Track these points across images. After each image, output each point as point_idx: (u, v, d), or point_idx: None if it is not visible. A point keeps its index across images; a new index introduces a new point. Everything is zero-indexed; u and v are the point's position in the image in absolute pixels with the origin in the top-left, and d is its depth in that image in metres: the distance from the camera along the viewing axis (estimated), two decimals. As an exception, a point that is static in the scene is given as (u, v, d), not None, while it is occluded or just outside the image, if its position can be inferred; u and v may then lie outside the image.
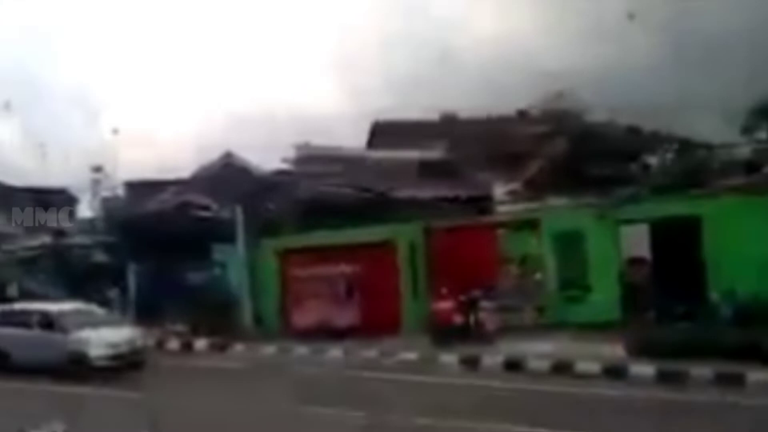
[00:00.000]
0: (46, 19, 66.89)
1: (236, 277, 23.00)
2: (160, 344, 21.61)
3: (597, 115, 25.13)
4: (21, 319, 18.22)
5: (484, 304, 18.99)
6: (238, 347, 20.50)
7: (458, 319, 18.80)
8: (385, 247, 21.28)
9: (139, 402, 13.36)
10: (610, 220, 19.42)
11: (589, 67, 31.59)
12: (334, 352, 18.84)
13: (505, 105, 28.34)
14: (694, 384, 13.77)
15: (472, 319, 18.82)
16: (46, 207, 35.02)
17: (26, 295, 25.68)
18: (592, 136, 23.53)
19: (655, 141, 23.84)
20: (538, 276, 20.26)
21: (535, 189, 22.86)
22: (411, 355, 17.81)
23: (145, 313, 24.27)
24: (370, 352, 18.43)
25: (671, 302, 17.31)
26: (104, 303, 26.11)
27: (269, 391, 14.65)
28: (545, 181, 22.90)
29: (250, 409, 12.84)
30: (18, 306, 19.95)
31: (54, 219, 34.05)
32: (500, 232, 20.76)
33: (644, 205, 19.42)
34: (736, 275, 17.01)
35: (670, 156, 22.74)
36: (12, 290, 26.02)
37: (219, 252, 23.96)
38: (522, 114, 28.20)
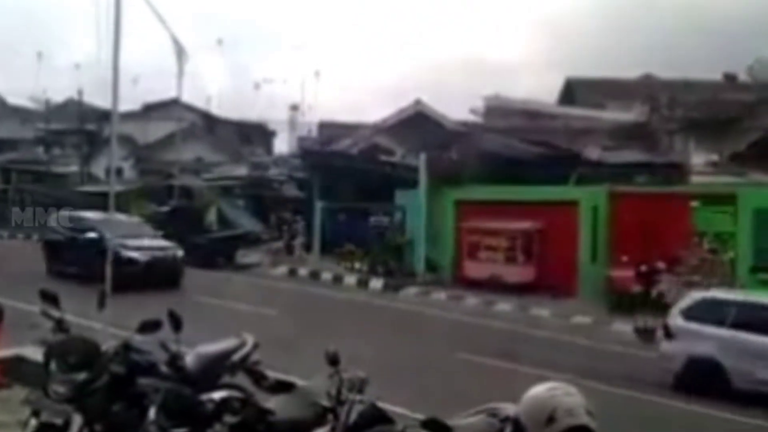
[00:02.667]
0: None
1: (415, 222, 23.49)
2: (337, 279, 22.71)
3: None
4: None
5: (667, 276, 18.21)
6: (411, 290, 21.10)
7: (637, 288, 18.20)
8: (568, 207, 20.84)
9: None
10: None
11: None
12: (505, 306, 18.92)
13: (711, 67, 26.56)
14: None
15: (652, 290, 18.13)
16: (246, 140, 37.41)
17: (224, 221, 27.77)
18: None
19: None
20: (730, 254, 19.06)
21: (737, 162, 21.36)
22: (585, 319, 17.57)
23: (328, 248, 25.54)
24: (542, 311, 18.36)
25: None
26: (293, 233, 27.80)
27: (432, 337, 15.05)
28: (749, 154, 21.32)
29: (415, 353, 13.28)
30: None
31: (252, 152, 36.35)
32: (693, 203, 19.65)
33: None
34: None
35: None
36: (211, 216, 28.05)
37: (401, 197, 24.54)
38: (729, 78, 26.26)
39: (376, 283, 22.03)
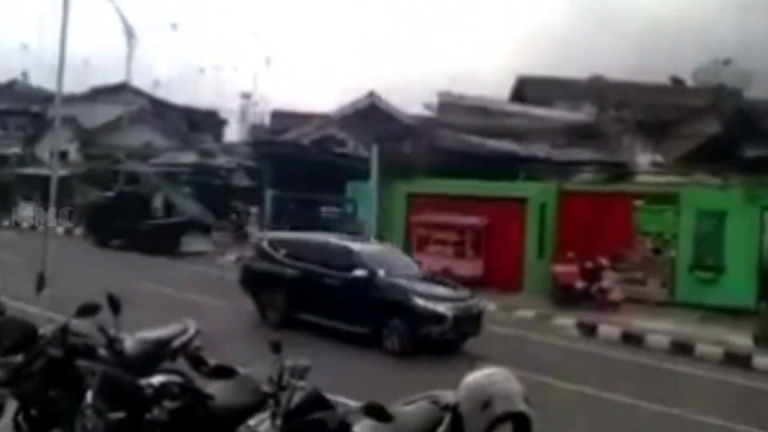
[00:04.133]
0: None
1: (366, 214, 23.48)
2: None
3: (757, 91, 23.60)
4: None
5: (610, 273, 18.59)
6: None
7: (581, 284, 18.54)
8: (517, 203, 21.11)
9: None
10: (756, 204, 18.40)
11: (756, 39, 29.49)
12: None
13: (659, 71, 27.07)
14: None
15: (595, 286, 18.50)
16: (195, 127, 36.91)
17: (170, 208, 27.36)
18: (750, 115, 22.13)
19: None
20: (671, 253, 19.56)
21: (682, 164, 21.85)
22: (529, 313, 17.82)
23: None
24: (488, 305, 18.52)
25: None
26: (240, 223, 27.58)
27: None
28: (693, 156, 21.82)
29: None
30: None
31: (202, 139, 35.90)
32: (637, 203, 20.09)
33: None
34: None
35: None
36: (157, 202, 27.61)
37: (352, 188, 24.51)
38: (676, 82, 26.83)
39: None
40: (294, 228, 23.65)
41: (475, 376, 3.62)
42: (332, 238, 14.53)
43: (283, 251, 14.16)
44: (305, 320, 13.19)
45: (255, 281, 14.41)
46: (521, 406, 3.46)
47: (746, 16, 35.73)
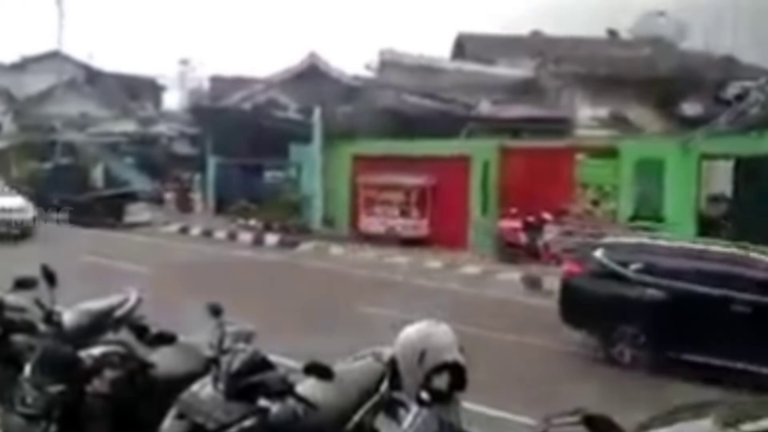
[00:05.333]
0: None
1: (311, 178, 23.40)
2: (232, 236, 22.43)
3: (693, 42, 24.08)
4: None
5: (552, 227, 18.92)
6: (308, 246, 21.08)
7: (524, 238, 18.85)
8: (460, 162, 21.21)
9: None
10: (693, 154, 18.81)
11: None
12: (400, 259, 19.21)
13: (598, 24, 27.37)
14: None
15: (538, 240, 18.82)
16: (133, 94, 36.06)
17: (110, 179, 26.84)
18: (685, 65, 22.58)
19: (752, 73, 22.71)
20: (611, 205, 19.95)
21: (619, 117, 22.23)
22: (474, 269, 18.07)
23: (223, 205, 25.15)
24: (435, 263, 18.75)
25: (747, 241, 16.83)
26: (186, 189, 27.23)
27: (325, 291, 15.19)
28: (632, 109, 22.22)
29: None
30: None
31: (140, 107, 35.13)
32: (578, 157, 20.38)
33: (731, 141, 18.70)
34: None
35: (764, 90, 21.64)
36: (97, 173, 27.05)
37: (296, 152, 24.35)
38: (613, 34, 27.15)
39: (272, 240, 21.88)
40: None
41: (409, 330, 3.68)
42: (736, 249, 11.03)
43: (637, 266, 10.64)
44: (687, 360, 9.97)
45: (593, 309, 10.96)
46: (454, 356, 3.53)
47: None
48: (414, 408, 3.44)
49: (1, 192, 21.01)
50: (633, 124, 21.38)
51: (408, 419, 3.44)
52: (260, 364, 4.59)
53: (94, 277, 12.60)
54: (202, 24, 69.03)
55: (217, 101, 30.09)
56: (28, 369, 5.15)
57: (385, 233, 21.41)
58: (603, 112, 22.77)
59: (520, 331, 11.98)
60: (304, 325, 11.20)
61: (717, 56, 23.23)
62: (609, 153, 20.06)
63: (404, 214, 21.63)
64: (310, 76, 27.68)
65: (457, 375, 3.52)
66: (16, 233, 19.62)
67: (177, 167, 29.23)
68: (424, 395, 3.41)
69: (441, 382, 3.46)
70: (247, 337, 5.63)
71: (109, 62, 36.59)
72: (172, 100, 38.29)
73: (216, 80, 33.99)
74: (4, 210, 19.66)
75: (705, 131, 19.09)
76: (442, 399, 3.45)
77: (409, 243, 20.75)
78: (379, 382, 4.72)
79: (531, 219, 18.92)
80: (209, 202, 26.31)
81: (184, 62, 36.54)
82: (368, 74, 27.42)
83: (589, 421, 3.15)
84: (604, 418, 3.16)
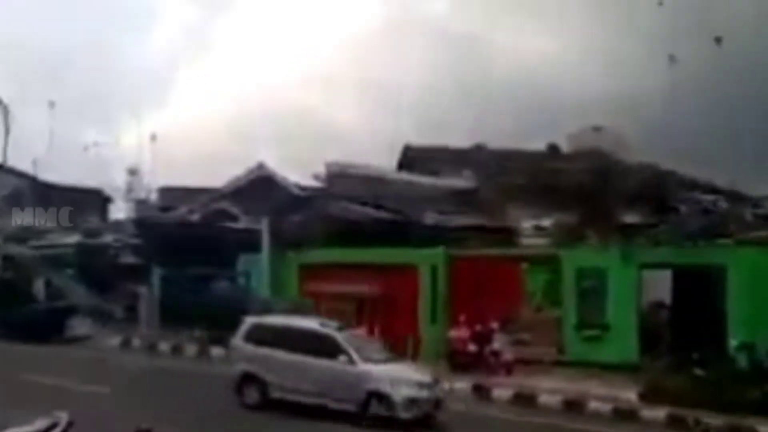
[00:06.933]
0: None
1: (259, 287, 23.24)
2: (176, 349, 21.90)
3: (630, 155, 25.03)
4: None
5: (500, 335, 19.01)
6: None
7: (473, 347, 18.87)
8: (407, 270, 21.41)
9: None
10: (633, 263, 19.36)
11: (628, 103, 31.36)
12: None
13: (537, 138, 28.42)
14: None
15: (487, 349, 18.85)
16: (80, 206, 35.68)
17: (52, 292, 26.19)
18: (623, 177, 23.45)
19: (689, 186, 23.74)
20: (557, 313, 20.23)
21: (561, 226, 22.83)
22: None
23: (168, 316, 24.65)
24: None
25: (689, 349, 17.20)
26: (131, 304, 26.66)
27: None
28: (572, 219, 22.86)
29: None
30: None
31: (86, 218, 34.72)
32: (523, 265, 20.78)
33: (669, 250, 19.32)
34: (757, 328, 16.91)
35: (700, 203, 22.59)
36: (38, 286, 26.43)
37: (244, 262, 24.25)
38: (553, 148, 28.19)
39: (219, 352, 21.40)
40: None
41: None
42: None
43: None
44: None
45: None
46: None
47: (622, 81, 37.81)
48: None
49: None
50: (575, 233, 21.94)
51: None
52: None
53: (34, 397, 12.15)
54: (149, 135, 69.56)
55: (164, 212, 29.99)
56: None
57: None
58: (545, 221, 23.37)
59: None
60: None
61: (658, 169, 24.12)
62: (553, 261, 20.52)
63: (353, 323, 21.44)
64: (259, 187, 27.91)
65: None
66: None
67: (123, 278, 28.69)
68: None
69: None
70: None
71: (54, 173, 36.13)
72: (119, 211, 38.00)
73: (165, 191, 33.98)
74: None
75: (641, 242, 19.72)
76: None
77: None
78: None
79: (479, 328, 19.00)
80: (153, 313, 25.78)
81: (132, 172, 36.42)
82: (315, 184, 27.77)
83: None
84: None
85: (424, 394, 13.49)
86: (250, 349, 14.76)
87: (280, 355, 14.25)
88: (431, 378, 14.17)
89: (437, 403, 13.77)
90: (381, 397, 13.19)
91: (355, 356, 13.64)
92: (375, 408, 13.18)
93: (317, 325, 14.86)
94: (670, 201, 23.42)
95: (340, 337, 14.17)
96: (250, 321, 15.46)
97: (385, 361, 14.46)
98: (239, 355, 15.04)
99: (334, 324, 15.07)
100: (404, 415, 13.06)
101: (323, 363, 13.77)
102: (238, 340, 15.25)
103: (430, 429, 13.46)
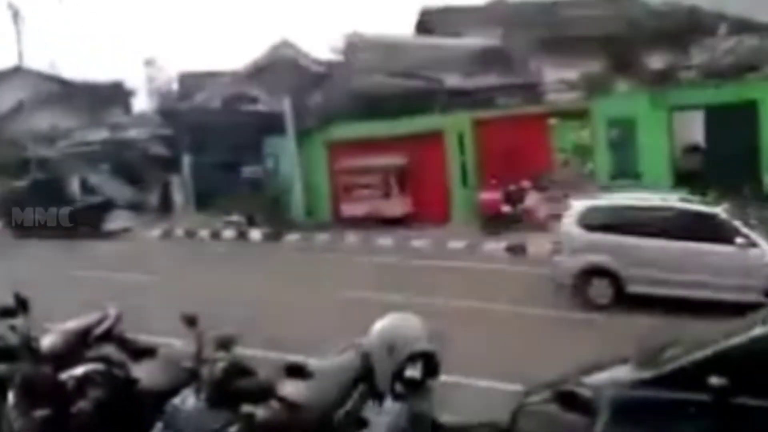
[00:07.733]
0: None
1: (288, 169, 23.31)
2: (215, 234, 22.36)
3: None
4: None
5: (533, 193, 18.99)
6: (292, 237, 21.07)
7: (506, 208, 18.91)
8: (434, 137, 21.25)
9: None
10: (663, 107, 18.92)
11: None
12: (385, 241, 19.25)
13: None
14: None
15: (519, 208, 18.88)
16: (102, 101, 35.68)
17: (88, 190, 26.61)
18: (651, 19, 22.51)
19: (716, 22, 22.71)
20: (589, 165, 20.04)
21: (589, 77, 22.20)
22: (459, 244, 18.10)
23: (202, 204, 25.03)
24: (419, 241, 18.78)
25: (726, 189, 16.97)
26: (164, 195, 27.09)
27: (317, 278, 15.20)
28: (599, 68, 22.19)
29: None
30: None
31: (110, 113, 34.79)
32: (551, 121, 20.44)
33: (699, 91, 18.79)
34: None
35: (729, 39, 21.68)
36: (73, 186, 26.81)
37: (271, 145, 24.23)
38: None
39: (256, 234, 21.84)
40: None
41: (380, 324, 3.71)
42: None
43: None
44: None
45: None
46: (423, 346, 3.56)
47: None
48: (387, 402, 3.47)
49: None
50: (603, 83, 21.35)
51: (381, 413, 3.48)
52: (240, 370, 4.60)
53: (85, 291, 12.57)
54: (165, 22, 68.34)
55: (184, 100, 29.80)
56: (11, 397, 5.15)
57: (368, 216, 21.38)
58: (571, 74, 22.71)
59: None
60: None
61: (681, 7, 23.12)
62: (581, 114, 20.13)
63: (384, 194, 21.62)
64: (279, 66, 27.43)
65: (429, 364, 3.55)
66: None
67: (154, 169, 28.98)
68: (398, 387, 3.45)
69: (413, 372, 3.49)
70: (228, 342, 5.63)
71: (73, 70, 35.92)
72: (143, 103, 37.89)
73: (184, 77, 33.62)
74: None
75: (670, 85, 19.17)
76: (415, 388, 3.48)
77: (393, 223, 20.76)
78: (359, 375, 4.75)
79: (511, 188, 18.97)
80: (189, 201, 26.18)
81: (149, 63, 36.01)
82: (334, 58, 27.21)
83: (560, 397, 3.21)
84: (573, 393, 3.22)
85: None
86: (596, 237, 12.03)
87: (643, 242, 11.68)
88: None
89: None
90: None
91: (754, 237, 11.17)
92: None
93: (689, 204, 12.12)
94: (696, 39, 22.51)
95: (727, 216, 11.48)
96: (582, 204, 12.65)
97: None
98: (577, 245, 12.18)
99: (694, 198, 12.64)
100: None
101: (714, 248, 11.24)
102: (570, 227, 12.39)
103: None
